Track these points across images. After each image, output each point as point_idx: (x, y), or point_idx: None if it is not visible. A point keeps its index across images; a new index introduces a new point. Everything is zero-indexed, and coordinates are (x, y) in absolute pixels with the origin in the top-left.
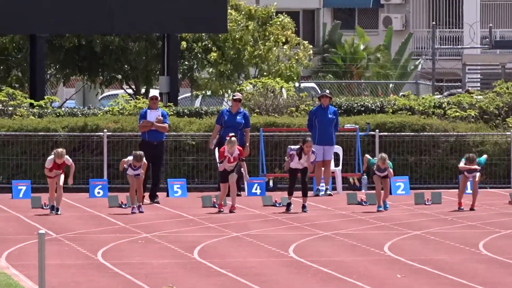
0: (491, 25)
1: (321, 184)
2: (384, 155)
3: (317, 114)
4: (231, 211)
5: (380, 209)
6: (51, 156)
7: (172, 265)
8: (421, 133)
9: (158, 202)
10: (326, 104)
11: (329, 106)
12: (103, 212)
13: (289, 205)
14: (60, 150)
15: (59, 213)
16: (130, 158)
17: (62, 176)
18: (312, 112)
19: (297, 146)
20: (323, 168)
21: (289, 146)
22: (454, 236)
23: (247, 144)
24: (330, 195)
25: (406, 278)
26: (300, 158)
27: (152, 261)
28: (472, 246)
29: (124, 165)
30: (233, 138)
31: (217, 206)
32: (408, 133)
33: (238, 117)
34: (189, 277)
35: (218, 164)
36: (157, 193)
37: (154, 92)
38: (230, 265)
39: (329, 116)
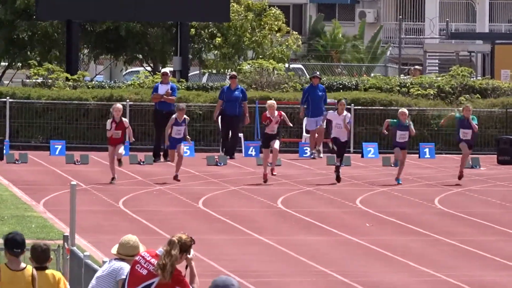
0: (448, 19)
1: (317, 148)
2: (404, 109)
3: (309, 92)
4: (272, 174)
5: (400, 182)
6: (109, 120)
7: (180, 213)
8: (389, 107)
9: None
10: (317, 83)
11: (319, 85)
12: (124, 168)
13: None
14: (118, 105)
15: (121, 164)
16: (174, 116)
17: (122, 148)
18: (305, 90)
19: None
20: (316, 135)
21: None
22: (414, 192)
23: (246, 114)
24: (321, 157)
25: (374, 227)
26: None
27: (164, 209)
28: (429, 201)
29: (171, 124)
30: (273, 101)
31: (262, 175)
32: (378, 107)
33: (236, 92)
34: (194, 223)
35: (265, 126)
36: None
37: (165, 69)
38: (228, 213)
39: (319, 93)
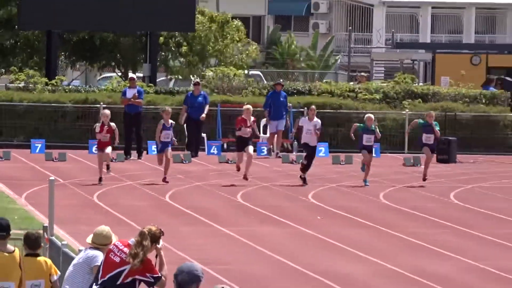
0: (393, 30)
1: (276, 149)
2: (371, 115)
3: (272, 97)
4: (245, 178)
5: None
6: (98, 124)
7: (149, 206)
8: (338, 111)
9: (140, 158)
10: (279, 89)
11: (281, 91)
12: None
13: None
14: (106, 111)
15: (109, 170)
16: (161, 121)
17: (109, 148)
18: (268, 95)
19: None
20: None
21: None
22: (361, 188)
23: (204, 112)
24: (279, 157)
25: (324, 219)
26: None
27: (135, 202)
28: (374, 196)
29: (160, 128)
30: (249, 105)
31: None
32: (329, 110)
33: (199, 98)
34: (162, 215)
35: (236, 132)
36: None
37: (132, 75)
38: (193, 207)
39: (281, 99)
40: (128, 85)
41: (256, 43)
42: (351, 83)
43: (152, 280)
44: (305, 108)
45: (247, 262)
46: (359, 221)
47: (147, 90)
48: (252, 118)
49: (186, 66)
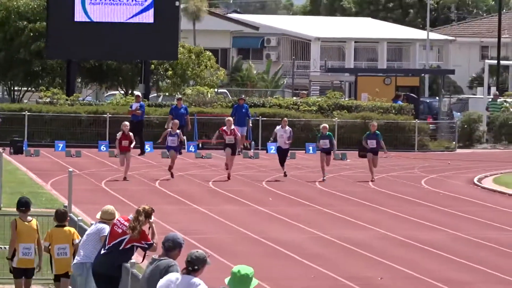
0: (326, 58)
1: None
2: (325, 124)
3: (236, 109)
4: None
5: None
6: (120, 132)
7: (143, 190)
8: (285, 119)
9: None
10: (242, 103)
11: (244, 104)
12: (105, 159)
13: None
14: (126, 122)
15: (127, 180)
16: (168, 130)
17: (129, 153)
18: (234, 107)
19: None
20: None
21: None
22: (302, 177)
23: (188, 124)
24: (240, 153)
25: (274, 200)
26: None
27: (132, 188)
28: (312, 182)
29: (166, 132)
30: (229, 118)
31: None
32: (278, 119)
33: (181, 110)
34: (153, 197)
35: (213, 138)
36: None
37: (137, 93)
38: (176, 191)
39: (243, 110)
40: (134, 100)
41: (224, 69)
42: (295, 98)
43: (146, 246)
44: (260, 116)
45: (217, 232)
46: (300, 201)
47: (144, 103)
48: (232, 127)
49: (171, 86)
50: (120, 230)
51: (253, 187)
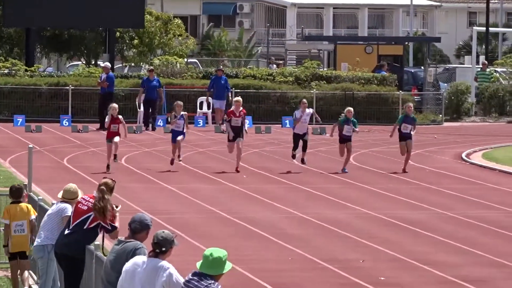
0: (303, 26)
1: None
2: (350, 108)
3: (214, 81)
4: (236, 171)
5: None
6: (108, 115)
7: (105, 167)
8: (260, 90)
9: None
10: (220, 75)
11: (222, 76)
12: (68, 135)
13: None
14: (114, 104)
15: (116, 160)
16: (173, 113)
17: (117, 138)
18: (212, 79)
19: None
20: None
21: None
22: (278, 153)
23: (162, 97)
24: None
25: (249, 178)
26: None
27: (96, 165)
28: (289, 158)
29: (171, 117)
30: (238, 98)
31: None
32: (252, 90)
33: (154, 82)
34: (118, 175)
35: (225, 123)
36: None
37: (105, 63)
38: (143, 168)
39: (222, 82)
40: (103, 71)
41: (194, 37)
42: (270, 65)
43: (110, 228)
44: (233, 88)
45: (186, 212)
46: (276, 178)
47: (112, 74)
48: (241, 108)
49: (138, 56)
50: (85, 208)
51: (226, 164)
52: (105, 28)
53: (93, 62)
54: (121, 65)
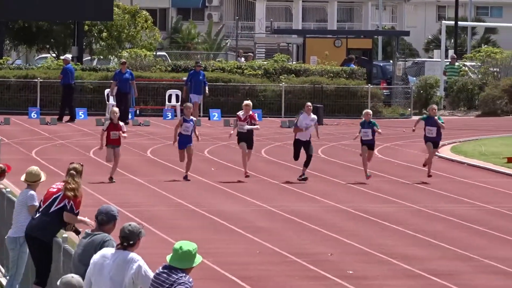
0: (272, 19)
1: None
2: (368, 110)
3: (192, 75)
4: (246, 176)
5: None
6: (107, 122)
7: (76, 160)
8: (228, 84)
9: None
10: (198, 70)
11: (200, 71)
12: (36, 127)
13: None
14: (115, 108)
15: (113, 181)
16: (182, 116)
17: (119, 149)
18: (190, 74)
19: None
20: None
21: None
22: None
23: (135, 91)
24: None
25: (218, 170)
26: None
27: (64, 157)
28: (257, 151)
29: (178, 128)
30: (247, 102)
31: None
32: (221, 83)
33: (126, 75)
34: (87, 168)
35: (233, 126)
36: (70, 116)
37: (64, 56)
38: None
39: (200, 77)
40: (64, 64)
41: (159, 30)
42: (238, 58)
43: (69, 209)
44: None
45: (154, 204)
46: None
47: (75, 67)
48: (251, 112)
49: (106, 48)
50: (55, 189)
51: (195, 157)
52: (74, 21)
53: (62, 55)
54: (89, 58)
